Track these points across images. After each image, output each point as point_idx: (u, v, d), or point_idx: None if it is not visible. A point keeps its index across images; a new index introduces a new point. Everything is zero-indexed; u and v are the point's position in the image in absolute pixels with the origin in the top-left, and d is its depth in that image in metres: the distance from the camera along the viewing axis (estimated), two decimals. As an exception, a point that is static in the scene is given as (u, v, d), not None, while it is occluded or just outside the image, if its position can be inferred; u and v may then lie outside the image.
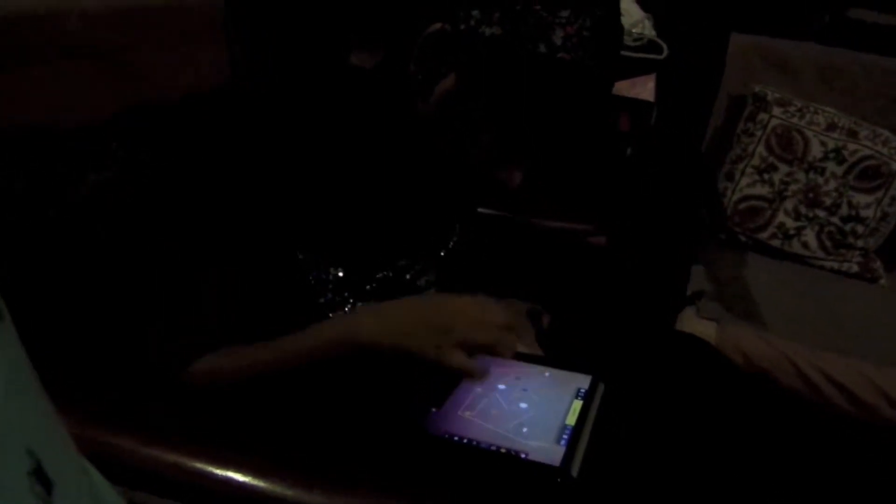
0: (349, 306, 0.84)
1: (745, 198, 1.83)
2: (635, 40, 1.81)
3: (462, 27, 0.75)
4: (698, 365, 1.02)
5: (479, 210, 1.12)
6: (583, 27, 0.75)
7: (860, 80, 1.85)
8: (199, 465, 0.64)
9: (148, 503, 0.63)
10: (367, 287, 0.85)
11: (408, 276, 0.89)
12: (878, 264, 1.80)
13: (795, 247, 1.81)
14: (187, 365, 0.74)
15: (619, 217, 1.62)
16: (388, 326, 0.75)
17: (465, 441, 0.76)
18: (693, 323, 1.50)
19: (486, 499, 0.73)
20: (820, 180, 1.79)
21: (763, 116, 1.82)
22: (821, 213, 1.79)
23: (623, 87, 1.66)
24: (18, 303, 0.36)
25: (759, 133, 1.82)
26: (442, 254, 0.94)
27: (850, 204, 1.78)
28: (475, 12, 0.75)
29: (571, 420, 0.79)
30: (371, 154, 0.85)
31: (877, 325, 1.59)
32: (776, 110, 1.81)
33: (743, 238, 1.84)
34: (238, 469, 0.63)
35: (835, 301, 1.66)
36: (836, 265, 1.80)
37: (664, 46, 1.82)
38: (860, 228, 1.78)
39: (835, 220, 1.79)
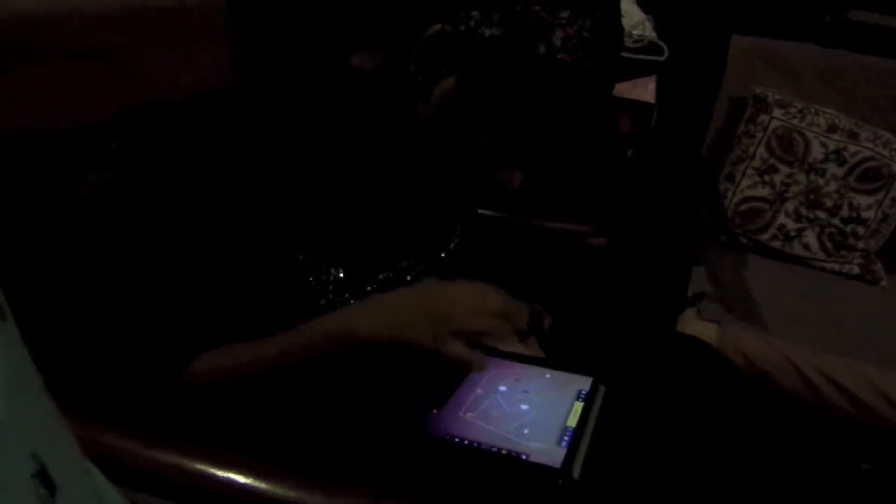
0: (350, 307, 0.84)
1: (746, 199, 1.83)
2: (636, 42, 1.81)
3: (462, 28, 0.75)
4: (699, 366, 1.01)
5: (480, 211, 1.12)
6: (583, 28, 0.75)
7: (861, 81, 1.85)
8: (201, 467, 0.64)
9: (149, 504, 0.63)
10: (368, 288, 0.85)
11: (409, 278, 0.89)
12: (878, 266, 1.80)
13: (796, 248, 1.81)
14: (187, 364, 0.74)
15: (620, 218, 1.62)
16: (387, 318, 0.75)
17: (466, 442, 0.76)
18: (694, 324, 1.50)
19: (487, 500, 0.73)
20: (821, 182, 1.79)
21: (764, 118, 1.82)
22: (821, 215, 1.79)
23: (624, 89, 1.66)
24: (18, 303, 0.36)
25: (759, 134, 1.82)
26: (443, 255, 0.94)
27: (850, 205, 1.78)
28: (475, 13, 0.75)
29: (572, 422, 0.79)
30: (372, 155, 0.85)
31: (877, 326, 1.59)
32: (777, 112, 1.81)
33: (744, 239, 1.84)
34: (239, 471, 0.63)
35: (835, 303, 1.66)
36: (836, 267, 1.80)
37: (665, 48, 1.82)
38: (861, 230, 1.78)
39: (835, 221, 1.79)
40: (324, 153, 0.82)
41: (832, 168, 1.78)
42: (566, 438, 0.76)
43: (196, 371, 0.74)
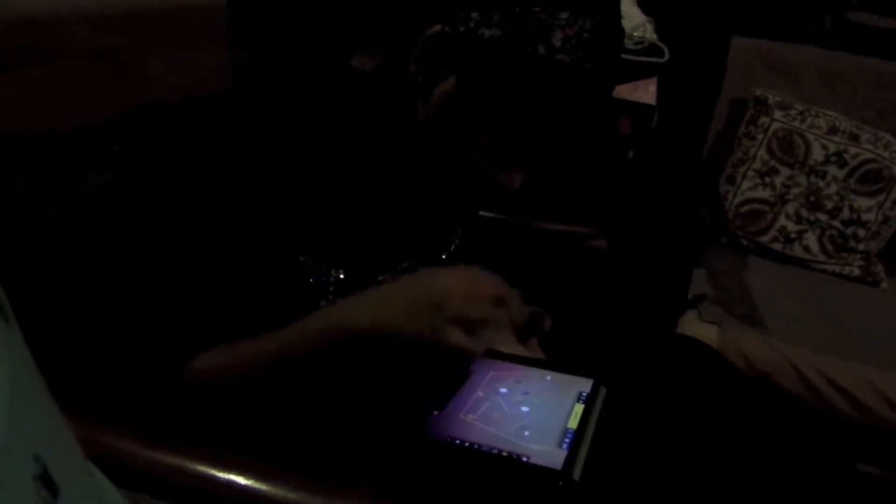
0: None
1: (747, 201, 1.83)
2: (636, 44, 1.81)
3: (461, 29, 0.75)
4: (700, 368, 1.01)
5: (480, 213, 1.12)
6: (582, 29, 0.75)
7: (861, 83, 1.86)
8: (202, 468, 0.63)
9: (149, 506, 0.63)
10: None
11: (409, 279, 0.89)
12: (879, 268, 1.80)
13: (797, 250, 1.81)
14: (187, 364, 0.74)
15: (621, 220, 1.62)
16: (384, 310, 0.74)
17: (466, 444, 0.76)
18: (694, 326, 1.50)
19: (488, 502, 0.73)
20: (821, 184, 1.79)
21: (764, 120, 1.82)
22: (822, 217, 1.79)
23: (624, 91, 1.66)
24: (18, 303, 0.36)
25: (760, 136, 1.82)
26: (443, 256, 0.94)
27: (851, 207, 1.78)
28: (475, 14, 0.75)
29: (573, 424, 0.78)
30: (372, 156, 0.85)
31: (878, 328, 1.59)
32: (777, 114, 1.81)
33: (744, 241, 1.84)
34: (240, 472, 0.63)
35: (836, 305, 1.66)
36: (837, 269, 1.80)
37: (665, 50, 1.82)
38: (861, 232, 1.78)
39: (836, 223, 1.79)
40: (324, 154, 0.82)
41: (833, 170, 1.78)
42: (567, 440, 0.76)
43: (196, 369, 0.74)
